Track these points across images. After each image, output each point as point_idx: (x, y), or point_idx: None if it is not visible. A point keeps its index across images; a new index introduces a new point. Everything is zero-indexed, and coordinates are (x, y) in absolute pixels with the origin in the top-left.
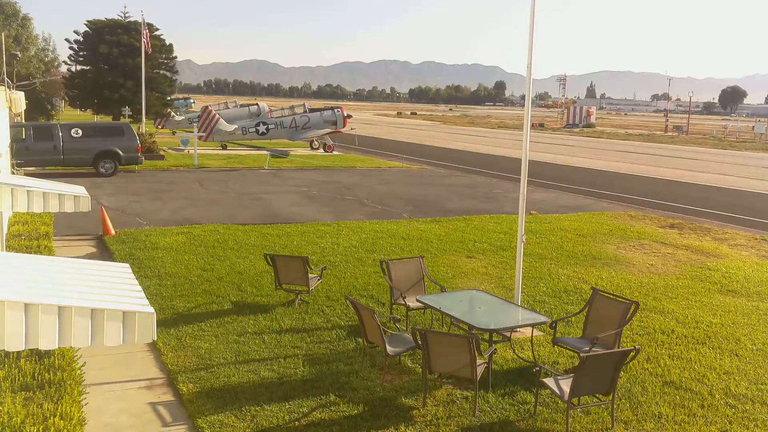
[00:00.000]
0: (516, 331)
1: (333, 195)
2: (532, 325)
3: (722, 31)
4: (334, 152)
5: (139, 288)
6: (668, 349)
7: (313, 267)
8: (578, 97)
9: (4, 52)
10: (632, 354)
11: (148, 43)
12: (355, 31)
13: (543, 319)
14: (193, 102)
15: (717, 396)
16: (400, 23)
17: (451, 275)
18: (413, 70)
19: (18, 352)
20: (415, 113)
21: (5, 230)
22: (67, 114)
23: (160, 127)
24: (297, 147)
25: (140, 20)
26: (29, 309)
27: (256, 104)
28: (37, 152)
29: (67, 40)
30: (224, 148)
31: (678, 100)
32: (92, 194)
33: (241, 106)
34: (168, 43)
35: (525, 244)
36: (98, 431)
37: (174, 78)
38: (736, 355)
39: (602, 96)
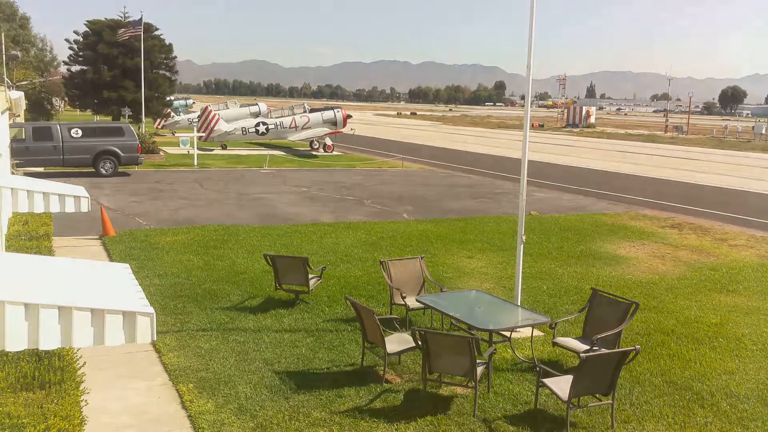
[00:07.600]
0: (516, 331)
1: (333, 195)
2: (532, 325)
3: (722, 32)
4: (334, 152)
5: (139, 288)
6: (668, 349)
7: (313, 267)
8: (578, 97)
9: (3, 53)
10: (632, 354)
11: (133, 34)
12: (355, 31)
13: (543, 319)
14: (193, 102)
15: (717, 396)
16: (400, 23)
17: (451, 275)
18: (413, 70)
19: (18, 353)
20: (415, 113)
21: (5, 230)
22: (66, 114)
23: (159, 127)
24: (296, 147)
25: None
26: (30, 309)
27: (256, 104)
28: (37, 152)
29: (66, 40)
30: (224, 148)
31: (678, 100)
32: (92, 194)
33: (241, 106)
34: (168, 43)
35: (525, 244)
36: (98, 431)
37: (174, 78)
38: (737, 355)
39: (602, 96)
